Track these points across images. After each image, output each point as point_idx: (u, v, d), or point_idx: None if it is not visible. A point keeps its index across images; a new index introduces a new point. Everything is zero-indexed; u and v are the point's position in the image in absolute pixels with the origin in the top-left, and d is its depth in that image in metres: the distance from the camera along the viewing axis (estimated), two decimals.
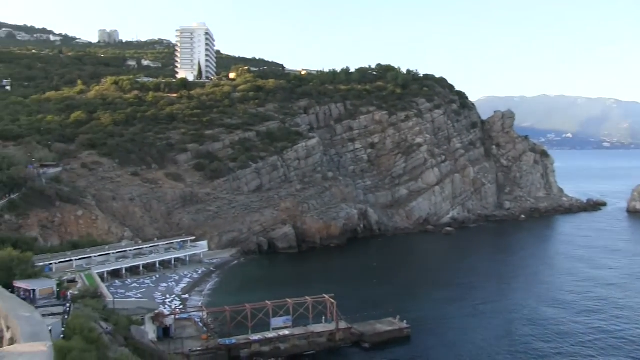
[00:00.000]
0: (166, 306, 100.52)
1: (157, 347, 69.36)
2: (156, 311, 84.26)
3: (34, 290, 64.74)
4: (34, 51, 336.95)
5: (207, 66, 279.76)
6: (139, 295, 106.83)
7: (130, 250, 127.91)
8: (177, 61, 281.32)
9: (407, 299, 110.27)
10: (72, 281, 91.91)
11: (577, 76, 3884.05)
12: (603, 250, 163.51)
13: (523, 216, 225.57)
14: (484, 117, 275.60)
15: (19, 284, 64.73)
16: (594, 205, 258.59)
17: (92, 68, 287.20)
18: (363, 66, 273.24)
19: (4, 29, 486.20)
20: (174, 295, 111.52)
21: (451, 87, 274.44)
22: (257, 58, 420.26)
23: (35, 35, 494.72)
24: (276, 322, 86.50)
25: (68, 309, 57.04)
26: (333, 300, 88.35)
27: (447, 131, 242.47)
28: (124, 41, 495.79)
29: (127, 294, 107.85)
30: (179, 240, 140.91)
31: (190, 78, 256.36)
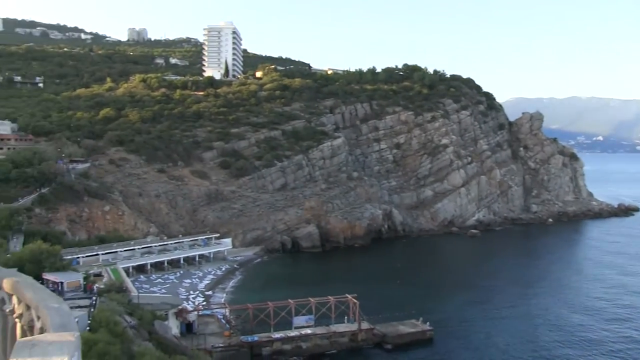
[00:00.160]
0: (189, 302, 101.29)
1: (180, 342, 69.90)
2: (180, 307, 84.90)
3: (61, 283, 65.71)
4: (65, 49, 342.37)
5: (233, 65, 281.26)
6: (163, 291, 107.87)
7: (155, 246, 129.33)
8: (204, 59, 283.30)
9: (431, 301, 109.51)
10: (99, 275, 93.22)
11: (610, 78, 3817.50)
12: (634, 257, 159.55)
13: (550, 220, 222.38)
14: (512, 118, 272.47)
15: (47, 276, 65.78)
16: (626, 210, 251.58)
17: (121, 66, 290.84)
18: (390, 66, 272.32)
19: (38, 28, 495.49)
20: (197, 292, 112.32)
21: (478, 88, 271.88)
22: (284, 57, 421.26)
23: (67, 34, 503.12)
24: (298, 320, 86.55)
25: (94, 302, 57.77)
26: (356, 301, 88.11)
27: (473, 132, 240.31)
28: (152, 39, 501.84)
29: (152, 289, 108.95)
30: (204, 237, 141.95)
31: (217, 76, 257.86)
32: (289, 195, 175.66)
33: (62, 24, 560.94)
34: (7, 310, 8.38)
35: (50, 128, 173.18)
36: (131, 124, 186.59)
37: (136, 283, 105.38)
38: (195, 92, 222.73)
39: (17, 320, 8.25)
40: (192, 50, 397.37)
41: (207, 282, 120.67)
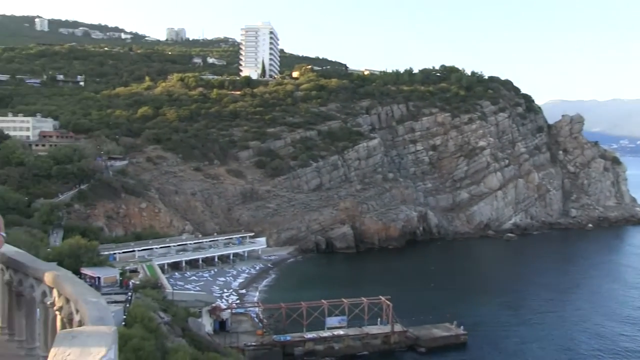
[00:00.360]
0: (223, 300, 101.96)
1: (213, 339, 70.39)
2: (213, 305, 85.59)
3: (98, 278, 66.99)
4: (106, 49, 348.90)
5: (270, 64, 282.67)
6: (197, 288, 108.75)
7: (190, 243, 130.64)
8: (241, 59, 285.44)
9: (465, 305, 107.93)
10: (134, 271, 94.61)
11: None
12: None
13: (590, 225, 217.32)
14: (552, 121, 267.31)
15: (85, 271, 67.09)
16: None
17: (160, 65, 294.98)
18: (426, 67, 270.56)
19: (80, 28, 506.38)
20: (231, 290, 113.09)
21: (517, 89, 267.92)
22: (320, 57, 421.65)
23: (108, 34, 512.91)
24: (331, 321, 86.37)
25: (130, 297, 58.64)
26: (389, 302, 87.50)
27: (511, 135, 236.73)
28: (190, 39, 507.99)
29: (186, 286, 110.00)
30: (238, 235, 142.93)
31: (254, 76, 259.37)
32: (323, 196, 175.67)
33: (103, 24, 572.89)
34: (49, 302, 8.49)
35: (90, 126, 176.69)
36: (168, 122, 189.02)
37: (171, 280, 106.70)
38: (232, 92, 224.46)
39: (57, 312, 8.28)
40: (229, 50, 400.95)
41: (241, 280, 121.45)
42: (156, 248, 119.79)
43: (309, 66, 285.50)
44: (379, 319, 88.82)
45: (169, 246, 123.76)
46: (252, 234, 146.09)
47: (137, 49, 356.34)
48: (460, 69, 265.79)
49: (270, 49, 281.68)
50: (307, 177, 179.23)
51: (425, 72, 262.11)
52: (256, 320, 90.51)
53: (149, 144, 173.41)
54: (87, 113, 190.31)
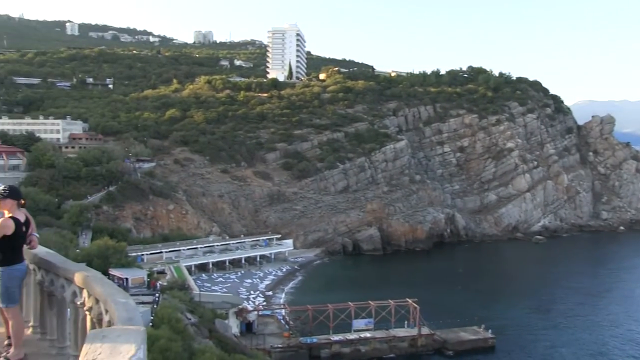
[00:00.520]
0: (250, 302, 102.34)
1: (239, 341, 70.65)
2: (240, 306, 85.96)
3: (126, 279, 67.69)
4: (134, 52, 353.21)
5: (297, 66, 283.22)
6: (224, 290, 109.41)
7: (217, 245, 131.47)
8: (268, 61, 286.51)
9: (492, 308, 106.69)
10: (162, 272, 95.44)
11: None
12: None
13: (622, 228, 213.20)
14: (581, 122, 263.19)
15: (113, 272, 67.86)
16: None
17: (187, 67, 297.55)
18: (454, 68, 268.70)
19: (110, 32, 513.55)
20: (257, 292, 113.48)
21: (545, 90, 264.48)
22: (347, 59, 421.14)
23: (136, 37, 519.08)
24: (358, 323, 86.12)
25: (157, 298, 59.16)
26: (416, 305, 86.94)
27: (540, 136, 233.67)
28: (217, 42, 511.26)
29: (213, 287, 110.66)
30: (265, 237, 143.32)
31: (281, 78, 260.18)
32: (350, 198, 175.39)
33: (132, 27, 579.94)
34: (79, 303, 8.56)
35: (119, 128, 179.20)
36: (196, 124, 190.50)
37: (198, 281, 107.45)
38: (259, 94, 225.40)
39: (87, 312, 8.34)
40: (256, 53, 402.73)
41: (268, 282, 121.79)
42: (183, 249, 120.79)
43: (336, 68, 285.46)
44: (405, 322, 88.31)
45: (196, 248, 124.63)
46: (279, 235, 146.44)
47: (165, 52, 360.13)
48: (488, 70, 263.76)
49: (297, 50, 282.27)
50: (334, 179, 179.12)
51: (453, 74, 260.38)
52: (283, 322, 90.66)
53: (177, 146, 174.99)
54: (115, 115, 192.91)
